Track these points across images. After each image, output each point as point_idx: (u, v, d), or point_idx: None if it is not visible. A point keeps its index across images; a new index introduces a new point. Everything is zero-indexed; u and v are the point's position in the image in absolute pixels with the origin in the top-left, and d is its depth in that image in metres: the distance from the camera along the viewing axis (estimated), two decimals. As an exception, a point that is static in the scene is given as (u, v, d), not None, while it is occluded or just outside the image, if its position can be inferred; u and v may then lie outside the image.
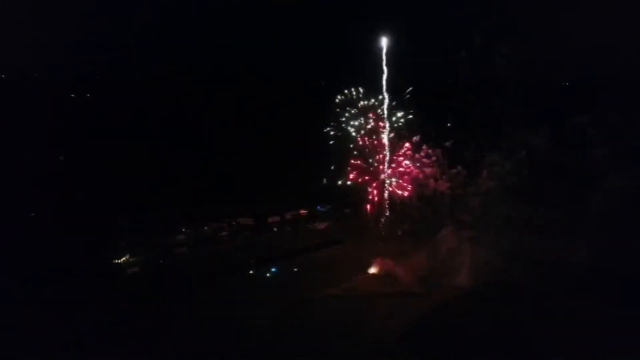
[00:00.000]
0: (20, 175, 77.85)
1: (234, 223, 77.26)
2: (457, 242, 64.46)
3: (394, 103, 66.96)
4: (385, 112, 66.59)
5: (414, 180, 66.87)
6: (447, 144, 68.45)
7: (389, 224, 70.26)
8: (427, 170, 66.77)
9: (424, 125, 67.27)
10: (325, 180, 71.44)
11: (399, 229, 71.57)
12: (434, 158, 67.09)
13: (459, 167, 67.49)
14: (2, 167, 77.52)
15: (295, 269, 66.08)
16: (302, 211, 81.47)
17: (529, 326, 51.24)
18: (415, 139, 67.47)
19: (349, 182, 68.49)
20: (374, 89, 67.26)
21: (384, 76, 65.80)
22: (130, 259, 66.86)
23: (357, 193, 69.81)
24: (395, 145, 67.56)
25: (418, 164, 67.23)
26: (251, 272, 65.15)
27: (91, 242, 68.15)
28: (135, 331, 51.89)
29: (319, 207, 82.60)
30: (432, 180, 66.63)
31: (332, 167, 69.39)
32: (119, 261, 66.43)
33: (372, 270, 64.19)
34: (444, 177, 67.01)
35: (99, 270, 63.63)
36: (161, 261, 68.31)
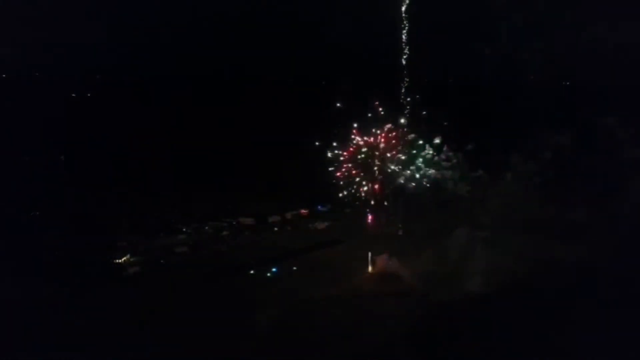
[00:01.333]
0: (21, 174, 77.74)
1: (234, 223, 77.22)
2: (469, 243, 63.13)
3: (410, 100, 65.98)
4: (404, 116, 65.60)
5: (431, 183, 65.93)
6: (469, 147, 67.10)
7: (394, 225, 69.93)
8: (446, 173, 65.71)
9: (445, 126, 66.03)
10: (326, 180, 70.78)
11: (400, 229, 71.44)
12: (455, 161, 65.99)
13: (480, 171, 66.09)
14: (2, 166, 77.44)
15: (296, 269, 66.10)
16: (303, 211, 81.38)
17: (534, 330, 50.49)
18: (436, 140, 66.34)
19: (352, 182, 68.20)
20: (390, 87, 66.30)
21: (403, 73, 65.02)
22: (131, 259, 66.85)
23: (361, 193, 69.43)
24: (412, 145, 66.40)
25: (436, 167, 66.10)
26: (252, 272, 65.13)
27: (92, 241, 68.12)
28: (136, 331, 51.87)
29: (319, 206, 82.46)
30: (450, 183, 65.67)
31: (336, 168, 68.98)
32: (120, 261, 66.41)
33: (373, 270, 64.11)
34: (463, 180, 65.73)
35: (100, 270, 63.63)
36: (162, 261, 68.31)
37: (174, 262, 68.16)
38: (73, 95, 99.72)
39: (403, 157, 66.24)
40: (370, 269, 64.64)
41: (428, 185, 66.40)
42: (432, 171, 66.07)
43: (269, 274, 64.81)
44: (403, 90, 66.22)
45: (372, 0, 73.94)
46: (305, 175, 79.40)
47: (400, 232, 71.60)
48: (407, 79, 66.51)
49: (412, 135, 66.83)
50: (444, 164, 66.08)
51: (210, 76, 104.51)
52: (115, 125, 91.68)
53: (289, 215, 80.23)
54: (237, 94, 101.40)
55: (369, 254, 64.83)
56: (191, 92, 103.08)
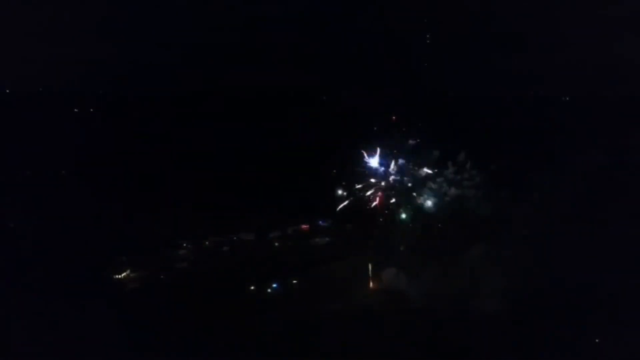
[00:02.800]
0: (21, 188, 77.66)
1: (235, 238, 76.82)
2: (485, 261, 61.21)
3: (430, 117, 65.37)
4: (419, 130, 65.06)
5: (452, 202, 64.85)
6: (493, 166, 65.78)
7: (404, 241, 69.03)
8: (468, 192, 64.61)
9: (468, 143, 64.95)
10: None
11: (402, 246, 70.67)
12: (477, 179, 64.92)
13: (504, 190, 64.71)
14: (3, 179, 77.43)
15: (296, 284, 65.70)
16: (304, 226, 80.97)
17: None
18: (459, 158, 65.52)
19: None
20: (408, 102, 65.58)
21: (420, 86, 64.55)
22: (131, 275, 66.48)
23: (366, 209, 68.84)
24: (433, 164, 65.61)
25: (457, 185, 65.13)
26: (252, 287, 64.72)
27: (91, 256, 67.72)
28: (135, 347, 51.42)
29: (320, 221, 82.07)
30: (473, 202, 64.43)
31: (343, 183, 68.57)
32: (119, 276, 66.04)
33: (376, 286, 63.71)
34: (486, 200, 64.34)
35: (99, 286, 63.21)
36: (162, 276, 67.93)
37: (174, 278, 67.82)
38: (75, 110, 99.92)
39: (423, 175, 65.38)
40: (373, 285, 64.23)
41: (449, 204, 65.27)
42: (453, 190, 65.16)
43: (269, 290, 64.40)
44: (425, 108, 65.62)
45: (394, 17, 73.33)
46: (307, 189, 79.12)
47: (402, 248, 70.99)
48: (429, 96, 65.98)
49: (435, 153, 66.07)
50: (466, 183, 65.00)
51: (212, 90, 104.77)
52: (116, 140, 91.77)
53: (290, 230, 79.85)
54: (239, 107, 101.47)
55: (370, 268, 64.60)
56: (192, 106, 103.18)
